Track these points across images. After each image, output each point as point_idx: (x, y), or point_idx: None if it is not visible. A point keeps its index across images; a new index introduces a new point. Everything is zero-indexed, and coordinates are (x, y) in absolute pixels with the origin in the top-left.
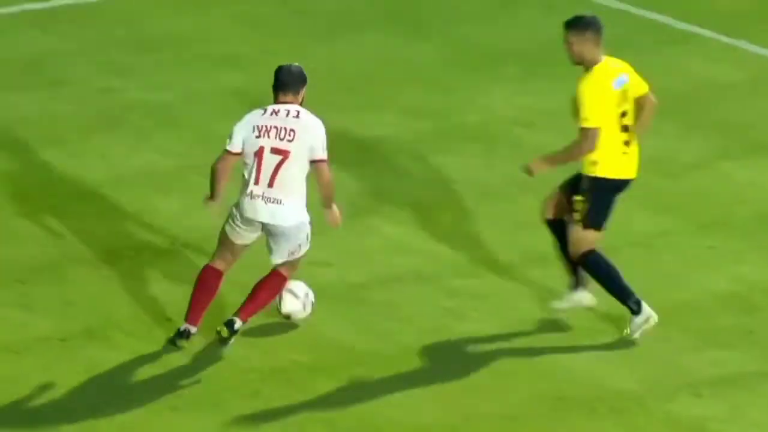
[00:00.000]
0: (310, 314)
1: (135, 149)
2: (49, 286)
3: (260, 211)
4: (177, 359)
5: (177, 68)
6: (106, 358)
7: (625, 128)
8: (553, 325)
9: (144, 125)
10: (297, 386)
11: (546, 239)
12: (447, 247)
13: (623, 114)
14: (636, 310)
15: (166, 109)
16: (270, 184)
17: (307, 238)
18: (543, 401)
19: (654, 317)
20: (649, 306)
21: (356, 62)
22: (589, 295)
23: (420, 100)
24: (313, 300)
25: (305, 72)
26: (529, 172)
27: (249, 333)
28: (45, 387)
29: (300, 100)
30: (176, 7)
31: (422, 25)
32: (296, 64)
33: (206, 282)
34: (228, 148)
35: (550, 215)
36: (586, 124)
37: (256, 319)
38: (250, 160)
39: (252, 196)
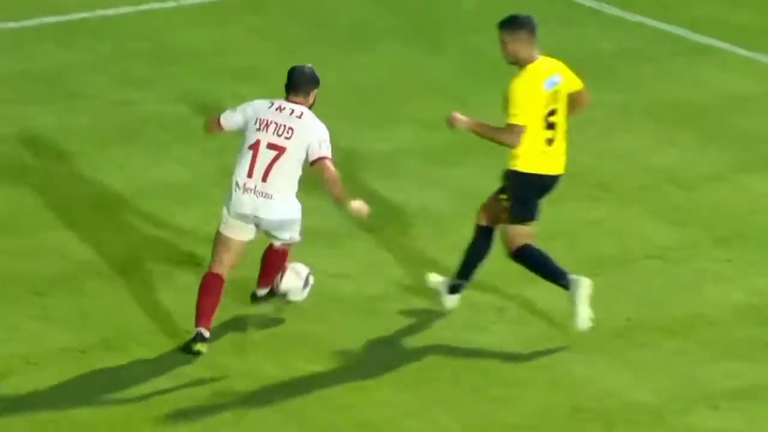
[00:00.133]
0: (306, 298)
1: (153, 161)
2: (67, 298)
3: (251, 204)
4: (194, 370)
5: (195, 81)
6: (124, 369)
7: (550, 126)
8: (571, 337)
9: (162, 137)
10: (314, 397)
11: (563, 251)
12: None
13: (551, 113)
14: (568, 286)
15: (184, 121)
16: (263, 179)
17: (299, 229)
18: (559, 412)
19: (586, 281)
20: (668, 316)
21: (373, 74)
22: (454, 301)
23: (436, 112)
24: (313, 283)
25: (317, 74)
26: (449, 121)
27: (266, 344)
28: (63, 398)
29: (310, 101)
30: (194, 20)
31: (438, 37)
32: (309, 65)
33: (209, 288)
34: (221, 119)
35: (483, 221)
36: (512, 120)
37: (274, 329)
38: (245, 151)
39: (244, 189)
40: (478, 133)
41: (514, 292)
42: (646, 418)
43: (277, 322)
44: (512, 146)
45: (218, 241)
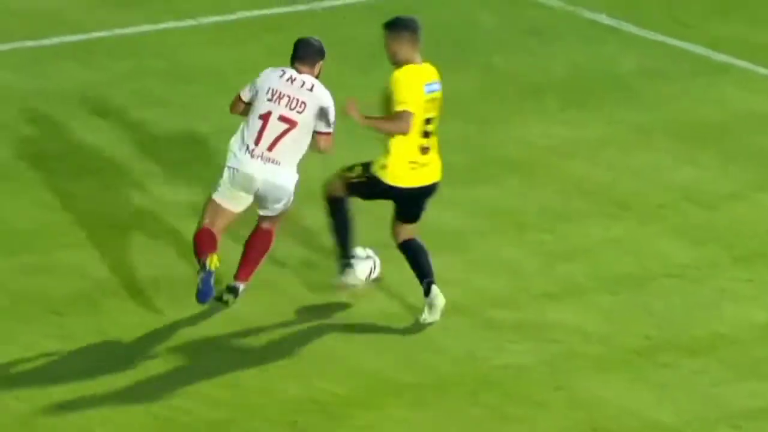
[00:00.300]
0: (365, 281)
1: (171, 181)
2: (85, 317)
3: (259, 168)
4: (214, 390)
5: (213, 100)
6: (143, 389)
7: (426, 134)
8: (589, 356)
9: (180, 156)
10: (333, 417)
11: (581, 270)
12: (484, 277)
13: (428, 121)
14: (348, 264)
15: (203, 140)
16: (270, 148)
17: (292, 200)
18: None
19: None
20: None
21: None
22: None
23: (457, 132)
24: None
25: (324, 47)
26: (344, 110)
27: (285, 363)
28: (82, 418)
29: (316, 73)
30: (212, 39)
31: (459, 56)
32: (316, 37)
33: (204, 238)
34: (241, 95)
35: (398, 240)
36: (402, 107)
37: (294, 349)
38: (254, 119)
39: (252, 154)
40: (372, 125)
41: (532, 310)
42: None
43: (295, 339)
44: (403, 133)
45: (210, 207)
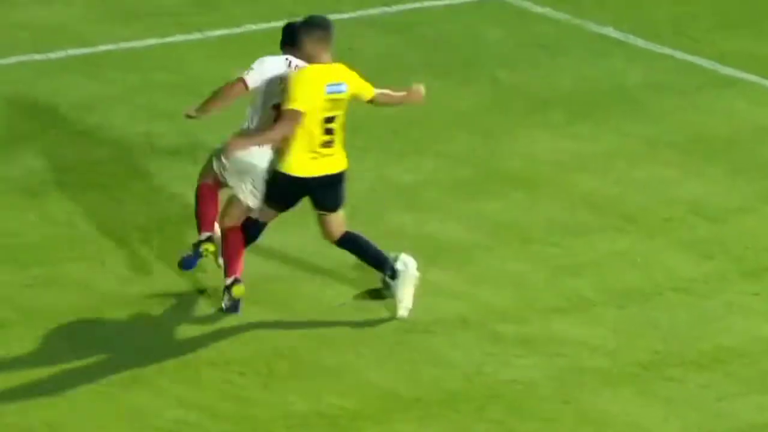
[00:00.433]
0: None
1: (179, 194)
2: (93, 331)
3: (267, 157)
4: (222, 403)
5: (221, 113)
6: (152, 403)
7: (328, 131)
8: (596, 371)
9: (187, 170)
10: (340, 431)
11: (590, 284)
12: (490, 291)
13: (330, 119)
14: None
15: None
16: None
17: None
18: None
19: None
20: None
21: (400, 107)
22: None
23: (463, 145)
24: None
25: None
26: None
27: (292, 377)
28: (85, 431)
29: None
30: (219, 51)
31: (465, 69)
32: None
33: (206, 197)
34: (245, 78)
35: (334, 239)
36: (290, 106)
37: (301, 363)
38: (264, 108)
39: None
40: (256, 143)
41: (539, 323)
42: None
43: (302, 352)
44: (286, 133)
45: (209, 168)
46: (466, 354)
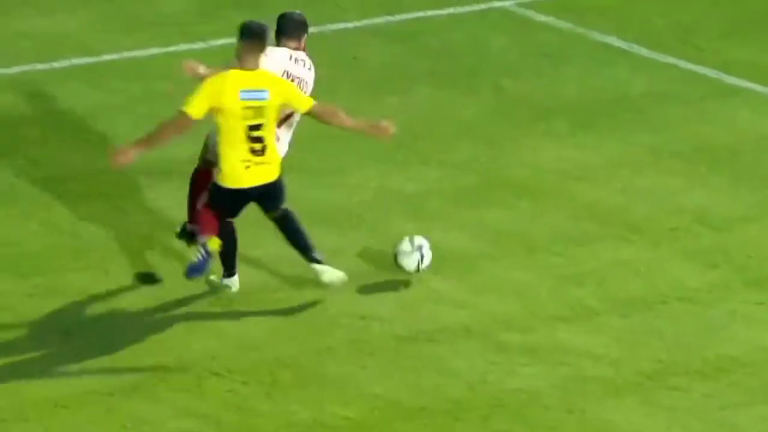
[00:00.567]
0: (416, 269)
1: (181, 204)
2: (96, 339)
3: None
4: (225, 413)
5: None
6: (152, 412)
7: (257, 139)
8: (600, 380)
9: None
10: None
11: (594, 293)
12: (495, 301)
13: (255, 127)
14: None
15: None
16: (278, 125)
17: None
18: None
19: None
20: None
21: (404, 116)
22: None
23: (467, 154)
24: (428, 260)
25: (307, 20)
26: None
27: (295, 386)
28: None
29: (303, 46)
30: (222, 60)
31: (470, 79)
32: (298, 11)
33: (199, 183)
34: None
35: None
36: (182, 107)
37: (304, 372)
38: None
39: None
40: (151, 144)
41: (544, 333)
42: None
43: (305, 362)
44: (172, 134)
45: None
46: (469, 363)
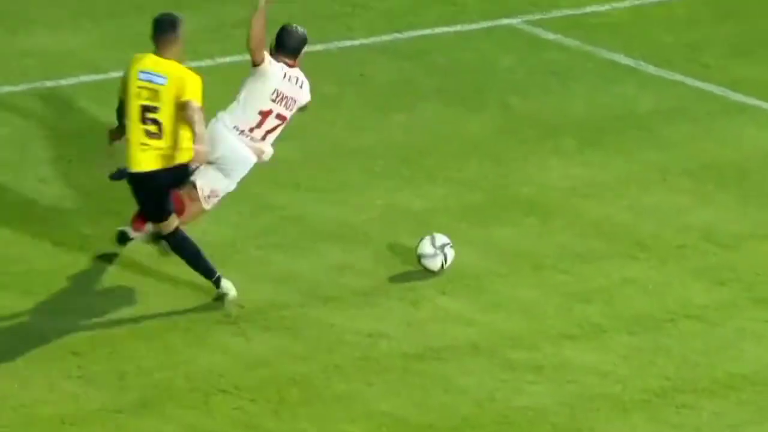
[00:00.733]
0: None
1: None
2: (104, 358)
3: (250, 147)
4: (231, 430)
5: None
6: (160, 429)
7: (152, 121)
8: (608, 398)
9: None
10: None
11: (602, 311)
12: (502, 318)
13: (150, 109)
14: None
15: None
16: (263, 138)
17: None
18: None
19: None
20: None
21: (411, 133)
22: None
23: (474, 171)
24: (450, 259)
25: (306, 36)
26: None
27: (303, 404)
28: None
29: (298, 63)
30: (229, 77)
31: (477, 96)
32: (301, 28)
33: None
34: (265, 52)
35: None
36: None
37: (311, 390)
38: (253, 112)
39: (244, 135)
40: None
41: (551, 350)
42: None
43: (313, 379)
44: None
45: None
46: (477, 380)
